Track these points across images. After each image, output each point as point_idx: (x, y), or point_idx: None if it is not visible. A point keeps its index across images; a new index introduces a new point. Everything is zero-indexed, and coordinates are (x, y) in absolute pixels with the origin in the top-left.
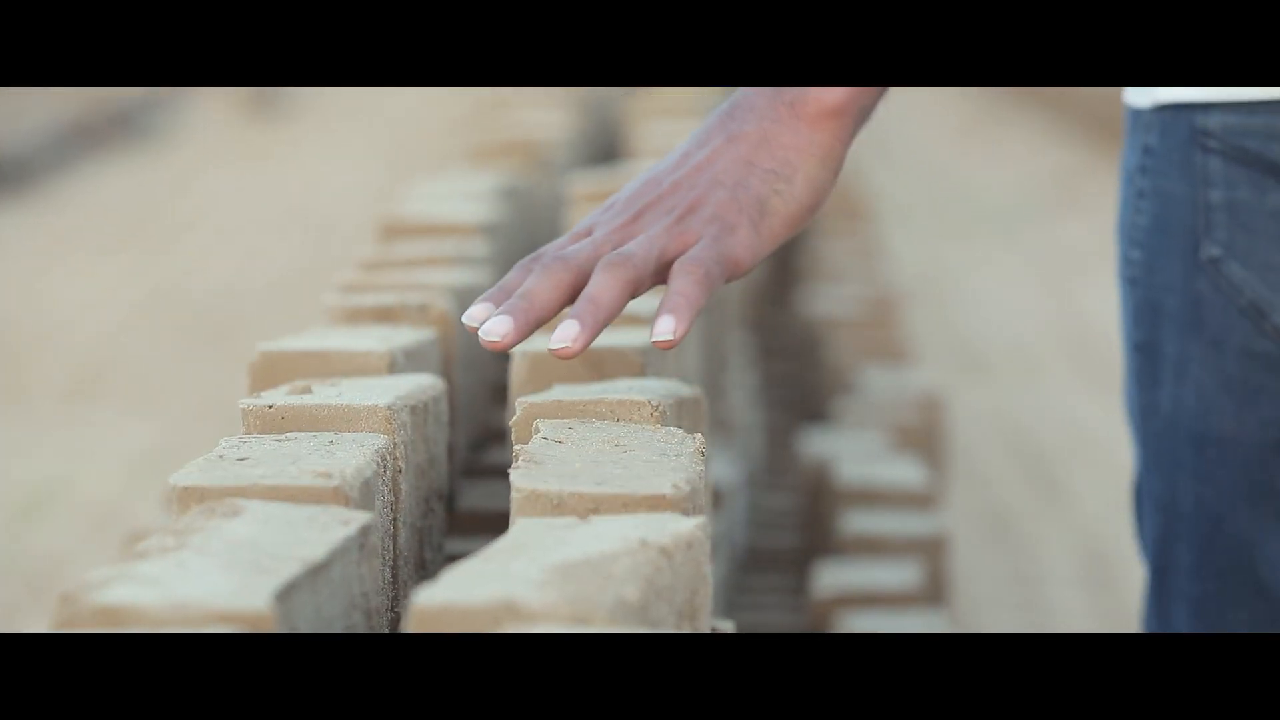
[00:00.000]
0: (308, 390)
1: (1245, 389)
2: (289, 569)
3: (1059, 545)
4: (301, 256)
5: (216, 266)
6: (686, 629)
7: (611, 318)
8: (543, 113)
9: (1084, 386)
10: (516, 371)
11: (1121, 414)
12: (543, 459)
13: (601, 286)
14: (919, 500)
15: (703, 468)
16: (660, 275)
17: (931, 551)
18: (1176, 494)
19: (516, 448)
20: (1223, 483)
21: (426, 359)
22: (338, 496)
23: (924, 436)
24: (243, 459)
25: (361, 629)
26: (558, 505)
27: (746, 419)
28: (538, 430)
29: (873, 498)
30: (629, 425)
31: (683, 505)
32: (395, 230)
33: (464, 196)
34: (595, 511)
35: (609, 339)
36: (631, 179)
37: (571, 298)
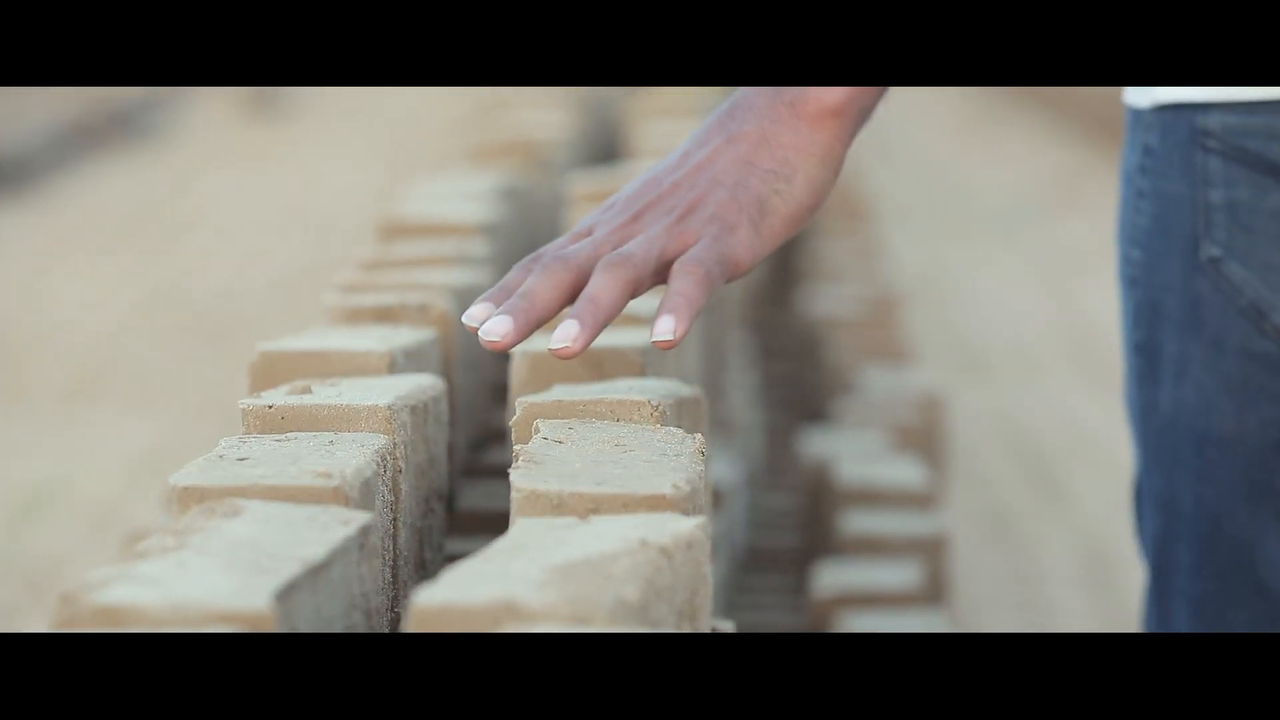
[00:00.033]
0: (308, 390)
1: (1245, 389)
2: (289, 569)
3: (1059, 545)
4: (301, 256)
5: (216, 266)
6: (686, 629)
7: (611, 318)
8: (543, 113)
9: (1084, 386)
10: (516, 371)
11: (1122, 414)
12: (543, 459)
13: (601, 286)
14: (919, 500)
15: (703, 468)
16: (660, 275)
17: (931, 551)
18: (1176, 494)
19: (516, 448)
20: (1223, 483)
21: (426, 359)
22: (338, 496)
23: (924, 436)
24: (243, 459)
25: (361, 629)
26: (558, 505)
27: (746, 419)
28: (538, 430)
29: (873, 498)
30: (629, 425)
31: (683, 505)
32: (395, 230)
33: (464, 196)
34: (595, 511)
35: (609, 339)
36: (631, 179)
37: (572, 298)
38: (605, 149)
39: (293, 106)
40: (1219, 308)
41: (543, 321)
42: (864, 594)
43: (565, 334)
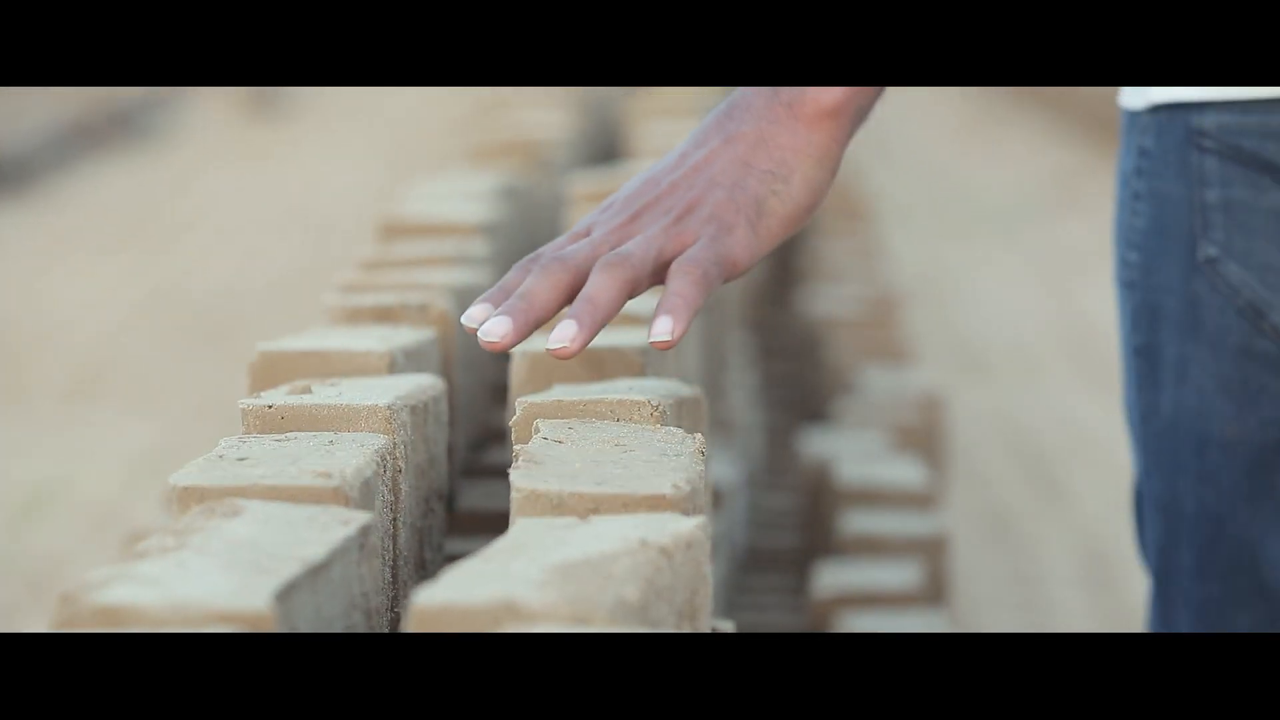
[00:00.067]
0: (308, 390)
1: (1245, 390)
2: (289, 569)
3: (1059, 545)
4: (301, 256)
5: (216, 266)
6: (686, 629)
7: (609, 318)
8: (543, 113)
9: (1084, 386)
10: (516, 371)
11: (1122, 414)
12: (543, 459)
13: (599, 287)
14: (919, 500)
15: (703, 468)
16: (658, 275)
17: (931, 551)
18: (1178, 497)
19: (516, 448)
20: (1224, 484)
21: (426, 359)
22: (338, 496)
23: (924, 436)
24: (243, 459)
25: (361, 629)
26: (558, 505)
27: (746, 419)
28: (538, 430)
29: (873, 498)
30: (629, 425)
31: (683, 505)
32: (395, 230)
33: (464, 196)
34: (595, 511)
35: (609, 339)
36: (631, 179)
37: (570, 298)
38: (605, 149)
39: (293, 106)
40: (1217, 308)
41: (541, 322)
42: (864, 594)
43: (563, 334)
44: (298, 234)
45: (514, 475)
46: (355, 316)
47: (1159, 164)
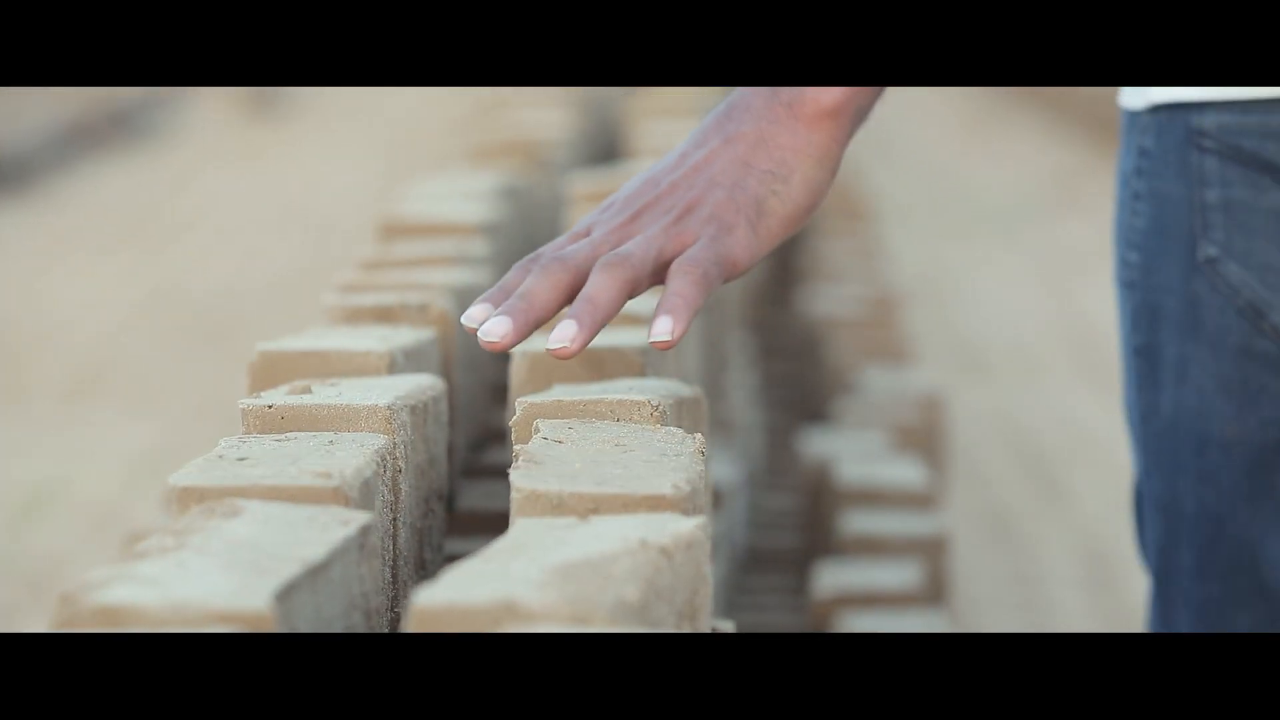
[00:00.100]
0: (307, 390)
1: (1245, 390)
2: (289, 569)
3: (1059, 545)
4: (301, 256)
5: (216, 266)
6: (686, 629)
7: (609, 318)
8: (543, 113)
9: (1084, 386)
10: (516, 371)
11: (1122, 414)
12: (543, 459)
13: (599, 287)
14: (919, 500)
15: (703, 468)
16: (658, 275)
17: (931, 551)
18: (1178, 497)
19: (516, 448)
20: (1224, 484)
21: (426, 359)
22: (338, 497)
23: (924, 436)
24: (242, 459)
25: (361, 629)
26: (558, 505)
27: (746, 419)
28: (538, 430)
29: (873, 498)
30: (629, 425)
31: (683, 505)
32: (395, 230)
33: (464, 196)
34: (595, 511)
35: (609, 339)
36: (631, 179)
37: (570, 298)
38: (605, 149)
39: (292, 106)
40: (1217, 308)
41: (541, 322)
42: (864, 594)
43: (563, 334)
44: (298, 234)
45: (514, 475)
46: (355, 316)
47: (1159, 164)
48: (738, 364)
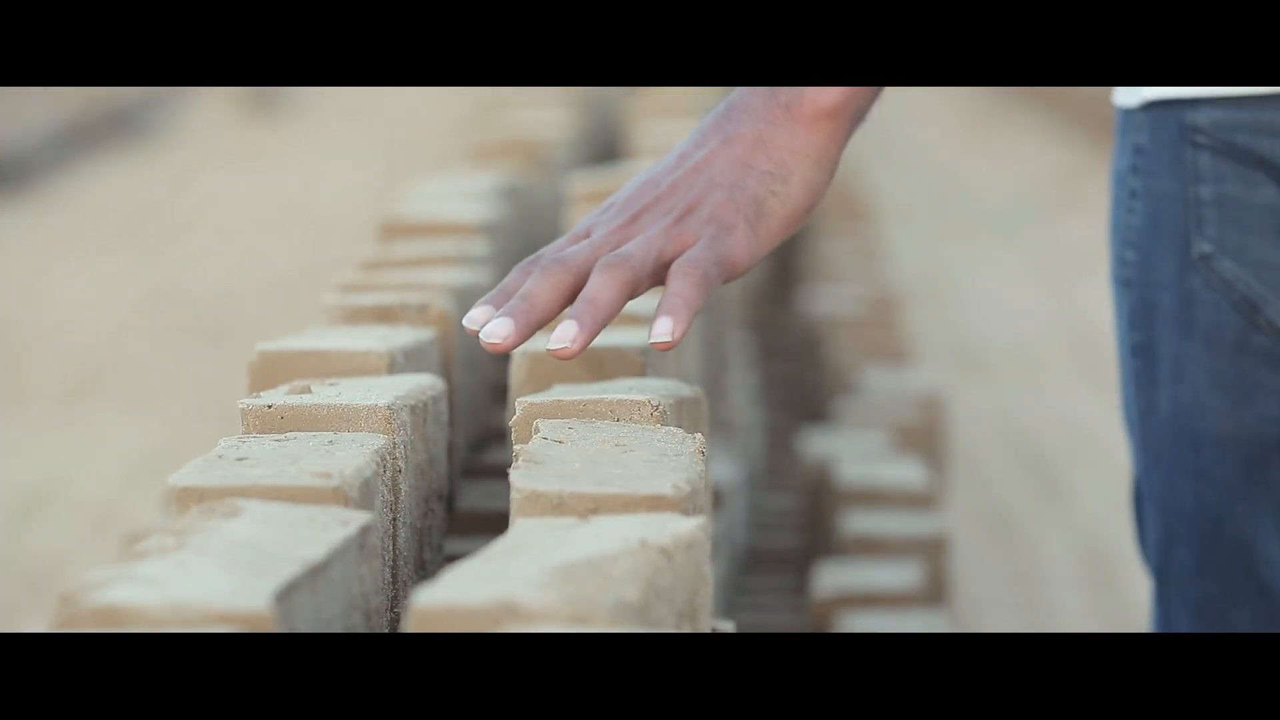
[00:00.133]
0: (307, 390)
1: (1240, 386)
2: (289, 569)
3: (1059, 545)
4: (301, 256)
5: (216, 266)
6: (686, 629)
7: (610, 318)
8: (543, 113)
9: (1084, 386)
10: (516, 371)
11: (1120, 413)
12: (543, 459)
13: (599, 287)
14: (919, 500)
15: (703, 468)
16: (658, 276)
17: (931, 552)
18: (1177, 495)
19: (516, 448)
20: (1222, 481)
21: (426, 359)
22: (337, 497)
23: (924, 436)
24: (242, 459)
25: (361, 629)
26: (558, 505)
27: (747, 419)
28: (538, 430)
29: (873, 498)
30: (629, 425)
31: (683, 505)
32: (395, 230)
33: (464, 196)
34: (595, 511)
35: (609, 339)
36: (630, 180)
37: (571, 299)
38: (605, 149)
39: (292, 106)
40: (1212, 305)
41: (543, 323)
42: (864, 594)
43: (564, 334)
44: (297, 234)
45: (514, 475)
46: (355, 316)
47: (1154, 161)
48: (738, 364)
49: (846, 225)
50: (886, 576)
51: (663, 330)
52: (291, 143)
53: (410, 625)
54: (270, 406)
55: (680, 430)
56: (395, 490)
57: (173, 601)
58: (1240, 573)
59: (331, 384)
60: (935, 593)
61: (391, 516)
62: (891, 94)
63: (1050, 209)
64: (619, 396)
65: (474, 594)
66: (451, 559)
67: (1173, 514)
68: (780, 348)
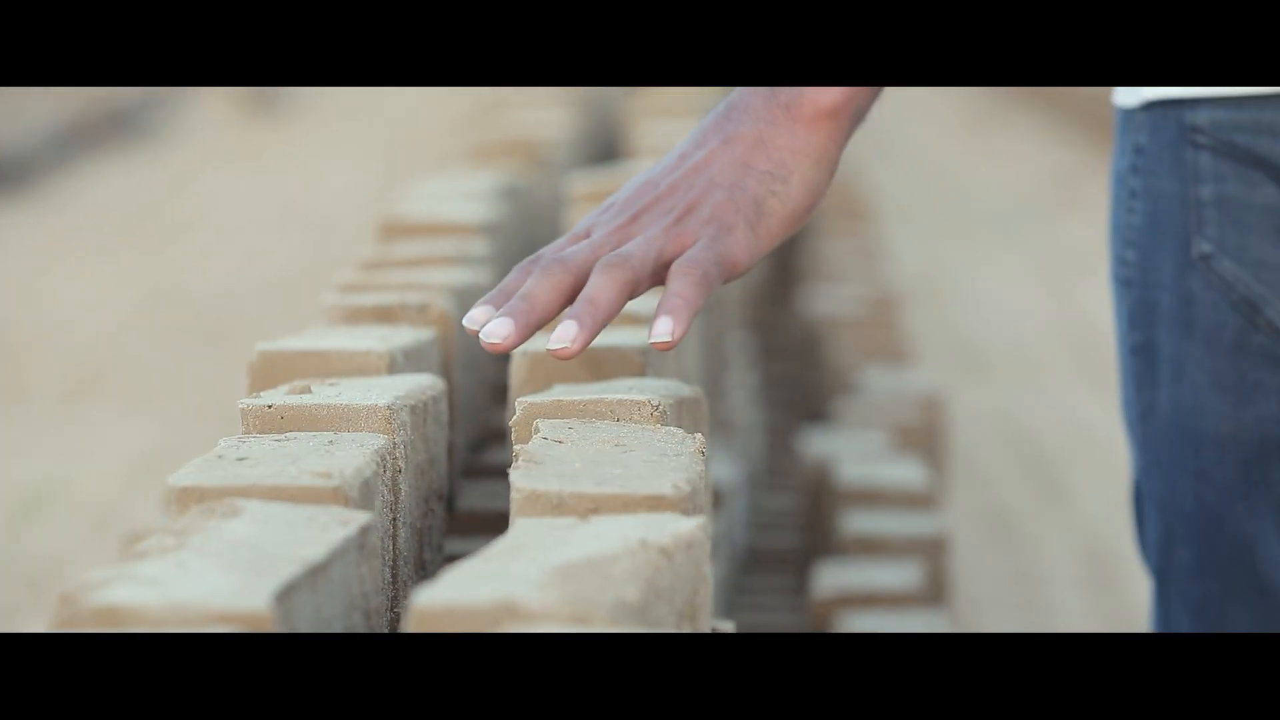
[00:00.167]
0: (307, 390)
1: (1240, 386)
2: (289, 569)
3: (1059, 545)
4: (301, 256)
5: (216, 266)
6: (686, 629)
7: (610, 318)
8: (543, 113)
9: (1084, 386)
10: (516, 371)
11: (1120, 413)
12: (543, 459)
13: (599, 287)
14: (919, 500)
15: (703, 468)
16: (658, 276)
17: (932, 552)
18: (1177, 495)
19: (516, 448)
20: (1221, 481)
21: (426, 359)
22: (337, 497)
23: (924, 436)
24: (242, 459)
25: (361, 629)
26: (558, 505)
27: (747, 419)
28: (538, 430)
29: (873, 498)
30: (629, 425)
31: (683, 505)
32: (395, 230)
33: (464, 196)
34: (595, 511)
35: (609, 339)
36: (630, 180)
37: (571, 299)
38: (605, 149)
39: (292, 106)
40: (1212, 305)
41: (543, 323)
42: (864, 594)
43: (564, 334)
44: (298, 234)
45: (514, 475)
46: (355, 316)
47: (1154, 161)
48: (738, 364)
49: (846, 225)
50: (886, 576)
51: (663, 330)
52: (291, 143)
53: (410, 625)
54: (270, 406)
55: (680, 430)
56: (395, 490)
57: (173, 601)
58: (1240, 572)
59: (331, 384)
60: (935, 593)
61: (391, 516)
62: (891, 94)
63: (1050, 209)
64: (619, 396)
65: (474, 594)
66: (451, 559)
67: (1173, 514)
68: (780, 348)
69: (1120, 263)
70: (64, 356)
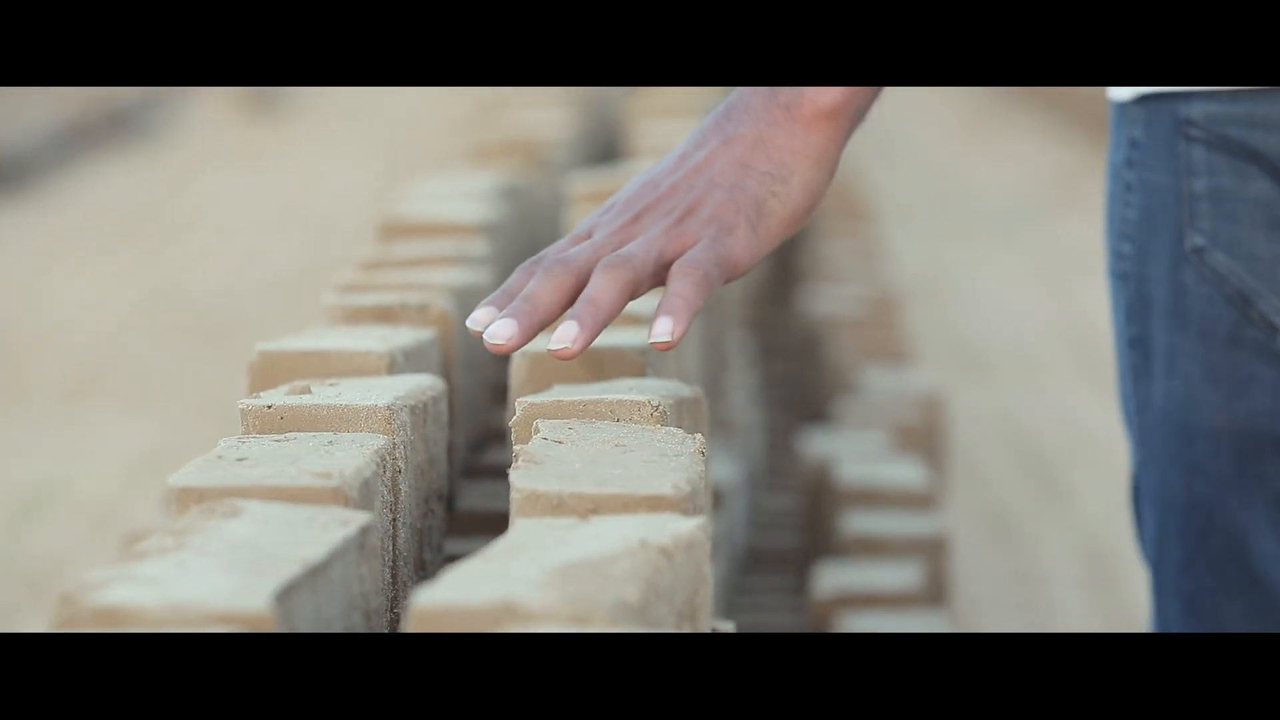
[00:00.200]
0: (307, 390)
1: (1233, 379)
2: (288, 569)
3: (1059, 545)
4: (301, 256)
5: (216, 266)
6: (686, 629)
7: (610, 319)
8: (543, 113)
9: (1084, 386)
10: (516, 372)
11: (1118, 408)
12: (543, 459)
13: (600, 288)
14: (919, 500)
15: (703, 468)
16: (659, 277)
17: (932, 552)
18: (1171, 488)
19: (516, 448)
20: (1214, 474)
21: (426, 359)
22: (337, 497)
23: (924, 436)
24: (242, 459)
25: (361, 629)
26: (558, 505)
27: (747, 419)
28: (538, 430)
29: (873, 498)
30: (629, 425)
31: (683, 505)
32: (395, 230)
33: (464, 196)
34: (595, 512)
35: (609, 339)
36: (631, 180)
37: (573, 299)
38: (605, 149)
39: (292, 106)
40: (1205, 298)
41: (546, 324)
42: (864, 594)
43: (565, 335)
44: (298, 234)
45: (514, 475)
46: (355, 316)
47: (1148, 155)
48: (738, 364)
49: (846, 225)
50: (886, 577)
51: (663, 330)
52: (291, 143)
53: (410, 625)
54: (270, 407)
55: (680, 430)
56: (395, 490)
57: (172, 601)
58: (1232, 566)
59: (331, 384)
60: (935, 593)
61: (391, 517)
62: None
63: (1050, 209)
64: (619, 397)
65: (474, 594)
66: (451, 559)
67: (1167, 507)
68: (780, 348)
69: (1116, 256)
70: (64, 356)
